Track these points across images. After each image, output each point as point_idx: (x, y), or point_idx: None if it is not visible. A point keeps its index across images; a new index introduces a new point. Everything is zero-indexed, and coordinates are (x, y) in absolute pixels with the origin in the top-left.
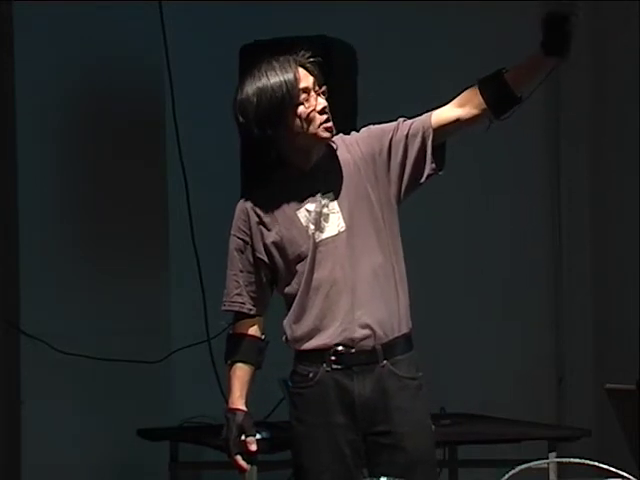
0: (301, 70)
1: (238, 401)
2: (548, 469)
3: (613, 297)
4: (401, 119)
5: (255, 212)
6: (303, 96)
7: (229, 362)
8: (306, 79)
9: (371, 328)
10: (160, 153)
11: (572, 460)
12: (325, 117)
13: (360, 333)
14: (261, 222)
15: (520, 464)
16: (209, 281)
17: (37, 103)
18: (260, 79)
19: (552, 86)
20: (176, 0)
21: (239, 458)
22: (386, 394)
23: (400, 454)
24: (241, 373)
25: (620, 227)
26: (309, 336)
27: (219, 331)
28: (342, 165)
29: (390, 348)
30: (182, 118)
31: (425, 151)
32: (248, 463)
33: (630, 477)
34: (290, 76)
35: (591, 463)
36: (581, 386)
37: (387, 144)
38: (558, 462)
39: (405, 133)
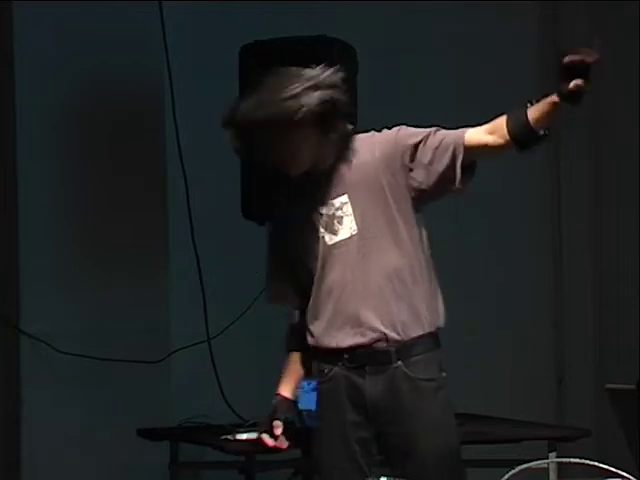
0: None
1: (281, 387)
2: (548, 469)
3: (613, 297)
4: (433, 128)
5: (278, 217)
6: None
7: (287, 351)
8: None
9: (382, 331)
10: (160, 153)
11: (572, 460)
12: None
13: (370, 337)
14: (283, 227)
15: (520, 464)
16: (209, 281)
17: (37, 103)
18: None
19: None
20: (176, 0)
21: (264, 436)
22: (397, 395)
23: (411, 456)
24: (292, 361)
25: (620, 227)
26: (323, 338)
27: (219, 331)
28: (360, 166)
29: (406, 349)
30: (182, 118)
31: (452, 168)
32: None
33: (630, 477)
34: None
35: (591, 463)
36: (581, 386)
37: (413, 152)
38: (558, 462)
39: (435, 146)
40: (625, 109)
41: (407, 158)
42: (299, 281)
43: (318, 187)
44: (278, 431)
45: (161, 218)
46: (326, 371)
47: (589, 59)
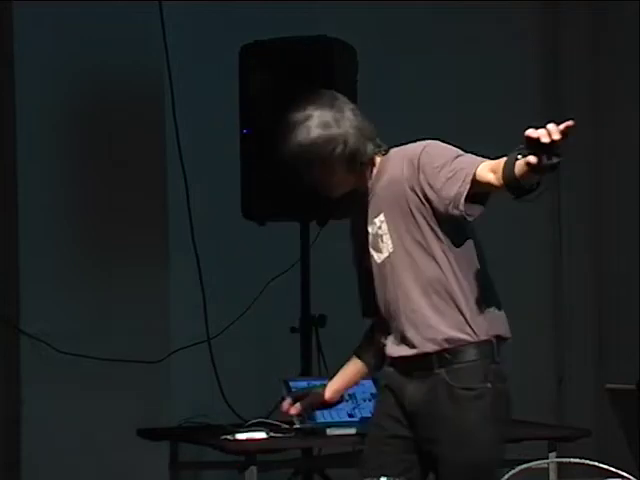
0: None
1: (329, 384)
2: (548, 469)
3: (613, 297)
4: (453, 155)
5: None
6: None
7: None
8: None
9: (424, 346)
10: (160, 153)
11: (572, 460)
12: None
13: (411, 352)
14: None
15: (520, 464)
16: (209, 281)
17: (37, 103)
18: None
19: (552, 89)
20: (176, 0)
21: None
22: (434, 401)
23: (441, 462)
24: (349, 365)
25: (620, 227)
26: (386, 348)
27: (219, 331)
28: (390, 182)
29: (448, 357)
30: (182, 118)
31: (459, 198)
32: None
33: (630, 477)
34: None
35: (591, 463)
36: (581, 386)
37: (429, 174)
38: (558, 462)
39: (448, 176)
40: (625, 109)
41: (426, 180)
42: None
43: (364, 206)
44: (285, 406)
45: (161, 218)
46: (386, 370)
47: (545, 139)
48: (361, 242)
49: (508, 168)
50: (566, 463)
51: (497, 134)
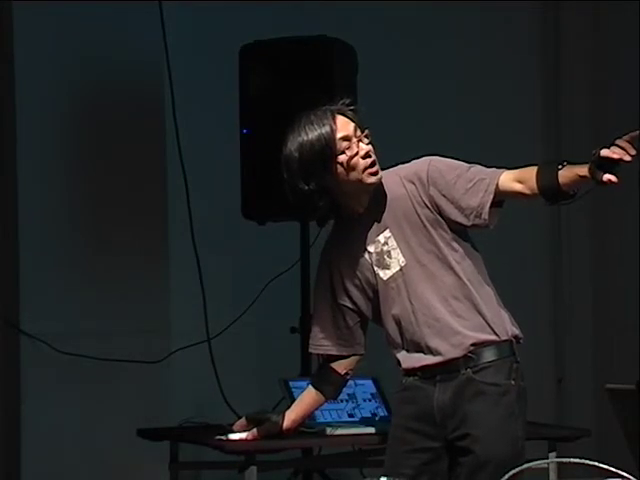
0: (341, 119)
1: (287, 413)
2: (548, 469)
3: (613, 297)
4: (466, 165)
5: (335, 265)
6: (344, 144)
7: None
8: (346, 127)
9: (449, 353)
10: (160, 153)
11: (572, 460)
12: (369, 161)
13: (434, 360)
14: (341, 275)
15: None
16: (209, 281)
17: (37, 103)
18: (300, 134)
19: (551, 89)
20: (176, 0)
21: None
22: (462, 399)
23: (469, 457)
24: (306, 395)
25: (620, 226)
26: (401, 361)
27: (219, 331)
28: (393, 202)
29: (473, 358)
30: (182, 118)
31: (481, 207)
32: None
33: (630, 477)
34: (327, 128)
35: (591, 463)
36: (581, 386)
37: (445, 186)
38: (558, 462)
39: (468, 186)
40: (625, 109)
41: (439, 192)
42: (350, 330)
43: (361, 230)
44: (238, 426)
45: (161, 218)
46: (403, 381)
47: (626, 158)
48: (354, 265)
49: (547, 179)
50: (566, 463)
51: (497, 133)
